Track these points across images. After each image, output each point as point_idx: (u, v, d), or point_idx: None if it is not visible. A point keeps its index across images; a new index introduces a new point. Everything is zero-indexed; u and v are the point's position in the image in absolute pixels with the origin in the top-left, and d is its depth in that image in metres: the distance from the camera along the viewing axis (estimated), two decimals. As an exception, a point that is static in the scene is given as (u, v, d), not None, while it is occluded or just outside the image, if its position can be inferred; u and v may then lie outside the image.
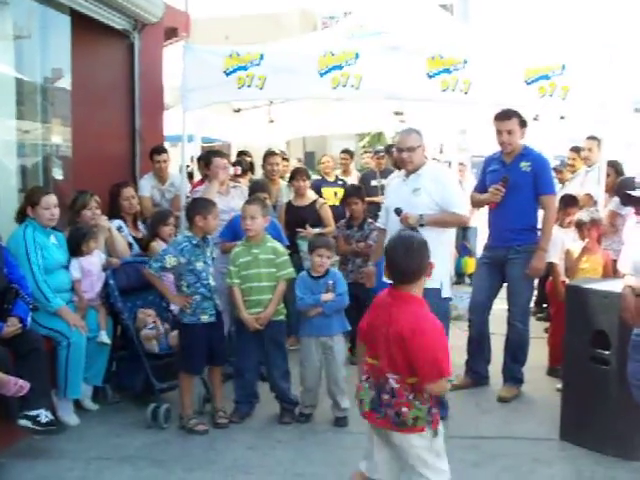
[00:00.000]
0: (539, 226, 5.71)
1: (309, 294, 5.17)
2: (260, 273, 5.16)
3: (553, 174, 6.60)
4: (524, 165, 5.62)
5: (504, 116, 5.64)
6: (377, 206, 8.78)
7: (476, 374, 6.01)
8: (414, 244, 3.25)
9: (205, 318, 5.09)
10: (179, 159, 8.27)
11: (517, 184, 5.59)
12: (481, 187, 5.93)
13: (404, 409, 3.13)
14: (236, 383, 5.35)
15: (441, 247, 5.15)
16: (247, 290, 5.17)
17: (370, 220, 6.77)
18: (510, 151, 5.67)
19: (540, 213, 5.74)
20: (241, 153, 8.88)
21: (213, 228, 5.20)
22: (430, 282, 5.08)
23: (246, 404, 5.32)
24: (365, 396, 3.27)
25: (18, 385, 4.36)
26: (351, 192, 7.00)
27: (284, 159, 9.00)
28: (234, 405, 5.29)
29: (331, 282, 5.17)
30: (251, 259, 5.17)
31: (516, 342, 5.78)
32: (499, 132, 5.66)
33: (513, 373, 5.83)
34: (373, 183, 9.33)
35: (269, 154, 7.84)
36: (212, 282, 5.16)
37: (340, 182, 9.03)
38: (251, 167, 8.62)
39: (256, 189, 6.26)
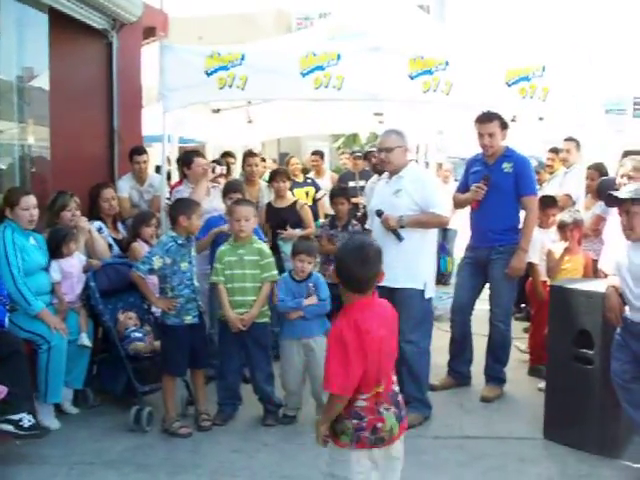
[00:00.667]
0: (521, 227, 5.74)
1: (291, 297, 5.15)
2: (245, 274, 5.14)
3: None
4: (506, 166, 5.65)
5: (485, 119, 5.67)
6: (355, 207, 8.83)
7: (458, 374, 6.03)
8: (370, 254, 3.03)
9: (189, 319, 5.06)
10: (155, 159, 8.23)
11: (499, 185, 5.63)
12: (463, 188, 5.96)
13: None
14: (219, 385, 5.32)
15: (425, 247, 5.23)
16: (230, 290, 5.14)
17: (354, 222, 6.78)
18: (492, 153, 5.71)
19: (522, 214, 5.77)
20: (226, 154, 8.83)
21: (197, 228, 5.17)
22: (414, 283, 5.16)
23: (229, 406, 5.29)
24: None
25: None
26: (337, 192, 7.01)
27: (262, 160, 8.97)
28: (217, 407, 5.26)
29: (312, 285, 5.17)
30: (236, 259, 5.15)
31: (498, 342, 5.81)
32: (480, 135, 5.69)
33: (495, 373, 5.85)
34: (351, 184, 9.35)
35: (248, 155, 7.82)
36: (196, 283, 5.14)
37: (309, 181, 9.08)
38: (228, 168, 8.59)
39: (230, 189, 6.17)
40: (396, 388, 3.11)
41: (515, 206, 5.74)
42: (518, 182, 5.63)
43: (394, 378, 3.13)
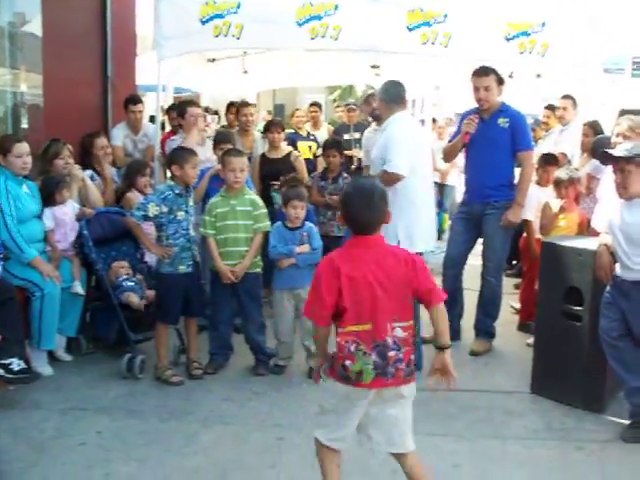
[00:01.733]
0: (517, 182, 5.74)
1: (283, 244, 5.18)
2: (237, 225, 5.14)
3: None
4: (502, 121, 5.62)
5: (481, 72, 5.63)
6: (350, 159, 8.81)
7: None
8: (374, 196, 3.06)
9: (183, 268, 5.07)
10: (149, 109, 8.15)
11: (494, 140, 5.61)
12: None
13: (412, 356, 3.07)
14: (210, 335, 5.37)
15: (396, 203, 4.72)
16: (222, 241, 5.15)
17: (345, 175, 6.77)
18: (487, 108, 5.66)
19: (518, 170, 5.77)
20: (231, 105, 8.75)
21: (191, 177, 5.10)
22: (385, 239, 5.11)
23: (221, 355, 5.34)
24: (364, 365, 2.98)
25: None
26: (330, 144, 6.99)
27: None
28: (209, 356, 5.31)
29: (305, 234, 5.20)
30: (229, 209, 5.14)
31: (489, 297, 5.86)
32: (476, 89, 5.65)
33: (485, 327, 5.91)
34: (346, 137, 9.30)
35: (243, 105, 7.74)
36: (192, 232, 5.13)
37: (312, 137, 9.06)
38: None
39: (220, 140, 6.13)
40: (390, 341, 2.99)
41: (510, 162, 5.72)
42: (514, 137, 5.61)
43: (395, 331, 3.01)
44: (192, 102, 6.76)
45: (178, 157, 5.08)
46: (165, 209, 4.97)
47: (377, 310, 2.99)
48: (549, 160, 6.49)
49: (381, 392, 3.05)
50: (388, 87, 5.43)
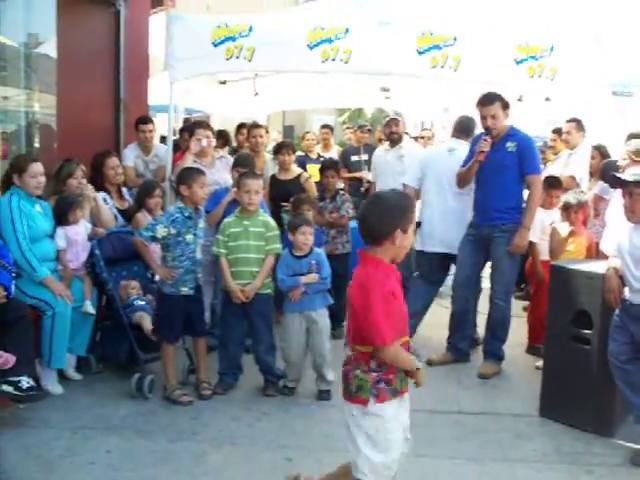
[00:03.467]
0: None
1: (291, 274, 5.17)
2: (249, 245, 5.17)
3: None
4: (510, 145, 5.68)
5: (487, 101, 5.71)
6: (359, 181, 8.85)
7: (457, 350, 6.09)
8: (384, 204, 3.03)
9: (185, 290, 5.11)
10: (160, 130, 8.21)
11: (503, 164, 5.66)
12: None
13: (350, 375, 3.08)
14: (220, 355, 5.37)
15: None
16: (234, 261, 5.18)
17: (342, 192, 6.87)
18: (495, 135, 5.71)
19: (526, 193, 5.79)
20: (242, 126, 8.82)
21: (200, 197, 5.10)
22: None
23: (230, 376, 5.34)
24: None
25: (3, 358, 4.36)
26: (328, 165, 7.13)
27: (266, 131, 8.95)
28: (218, 376, 5.32)
29: (314, 262, 5.19)
30: (241, 230, 5.18)
31: (498, 320, 5.86)
32: (483, 117, 5.73)
33: (494, 350, 5.90)
34: (354, 158, 9.35)
35: (253, 126, 7.80)
36: (198, 255, 5.16)
37: (322, 159, 9.07)
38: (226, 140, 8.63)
39: (240, 163, 6.19)
40: (348, 352, 3.15)
41: (519, 185, 5.76)
42: (522, 161, 5.66)
43: (351, 344, 3.12)
44: (202, 123, 6.81)
45: (186, 177, 5.11)
46: (173, 231, 5.00)
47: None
48: (553, 183, 6.52)
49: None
50: (462, 120, 6.28)
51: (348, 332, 3.17)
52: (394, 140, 7.00)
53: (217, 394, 5.18)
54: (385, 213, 3.00)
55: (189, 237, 5.06)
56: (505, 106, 5.71)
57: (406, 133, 7.46)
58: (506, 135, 5.73)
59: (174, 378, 5.15)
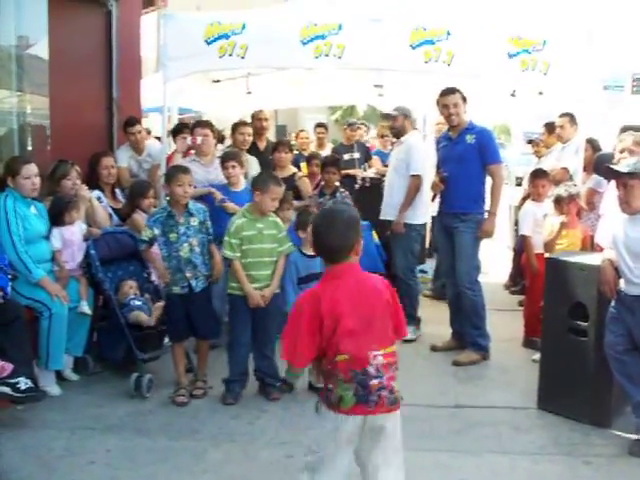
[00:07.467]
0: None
1: (304, 274, 5.23)
2: (263, 248, 5.03)
3: (530, 149, 6.70)
4: (469, 138, 5.98)
5: (449, 92, 6.03)
6: (353, 179, 8.84)
7: (459, 334, 6.22)
8: (341, 221, 2.96)
9: (177, 290, 5.09)
10: (153, 130, 8.17)
11: (464, 157, 5.97)
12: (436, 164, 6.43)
13: (393, 383, 2.95)
14: (230, 360, 5.17)
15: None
16: (247, 265, 5.03)
17: (342, 189, 6.90)
18: (457, 124, 6.01)
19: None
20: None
21: (179, 195, 4.99)
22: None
23: (238, 384, 5.15)
24: (345, 391, 2.91)
25: (0, 366, 4.35)
26: (329, 162, 7.13)
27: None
28: (226, 385, 5.14)
29: None
30: (255, 233, 5.03)
31: (470, 308, 6.00)
32: (445, 106, 6.02)
33: (472, 339, 6.02)
34: (346, 157, 9.33)
35: (240, 124, 7.74)
36: (184, 254, 5.03)
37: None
38: (220, 138, 8.56)
39: (227, 158, 6.09)
40: (382, 362, 2.92)
41: (479, 177, 6.03)
42: (482, 152, 5.94)
43: (381, 352, 2.93)
44: (201, 122, 6.79)
45: (167, 175, 5.18)
46: (157, 232, 5.01)
47: (359, 341, 2.92)
48: (537, 174, 6.62)
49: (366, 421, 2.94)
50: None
51: (374, 340, 2.94)
52: (394, 135, 7.12)
53: (228, 404, 5.01)
54: (346, 229, 2.96)
55: (172, 236, 5.02)
56: (464, 99, 5.99)
57: (415, 129, 7.42)
58: (465, 129, 6.02)
59: (183, 376, 5.15)
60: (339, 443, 2.96)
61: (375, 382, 2.91)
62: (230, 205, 5.83)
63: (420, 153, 6.64)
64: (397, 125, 6.83)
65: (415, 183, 6.47)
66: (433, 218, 7.46)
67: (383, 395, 2.92)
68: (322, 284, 3.02)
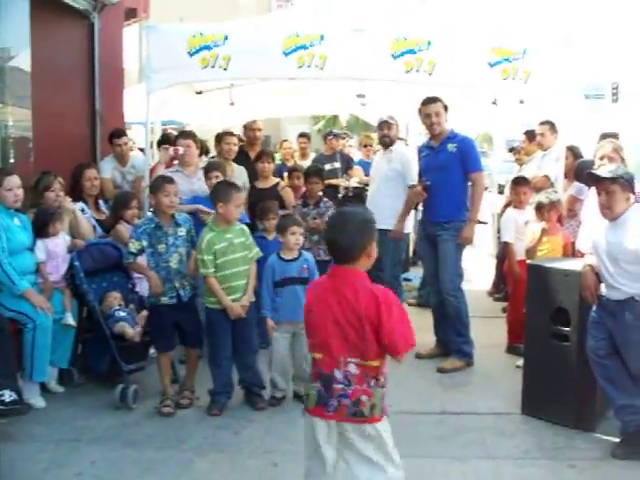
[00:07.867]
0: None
1: (280, 278, 5.16)
2: (236, 258, 4.99)
3: (511, 156, 6.79)
4: (451, 146, 6.02)
5: (431, 100, 6.07)
6: (335, 189, 8.87)
7: (443, 342, 6.25)
8: (353, 222, 3.02)
9: (165, 300, 5.08)
10: (136, 142, 8.17)
11: (445, 165, 6.01)
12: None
13: (364, 398, 2.97)
14: (214, 374, 5.14)
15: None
16: (223, 278, 4.97)
17: (326, 199, 6.91)
18: (439, 132, 6.04)
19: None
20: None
21: (164, 205, 5.01)
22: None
23: (223, 395, 5.14)
24: (311, 390, 3.05)
25: None
26: (312, 172, 7.10)
27: (240, 140, 8.93)
28: (212, 397, 5.12)
29: (306, 266, 5.18)
30: (227, 245, 4.97)
31: (454, 315, 6.04)
32: (427, 115, 6.05)
33: (456, 346, 6.06)
34: (327, 167, 9.32)
35: (226, 134, 7.76)
36: (173, 265, 5.05)
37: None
38: (203, 149, 8.57)
39: (210, 168, 6.10)
40: (338, 375, 2.99)
41: (461, 185, 6.07)
42: (464, 160, 5.99)
43: (348, 367, 2.99)
44: (184, 133, 6.80)
45: (152, 186, 5.19)
46: (145, 243, 5.00)
47: (329, 342, 3.00)
48: (519, 181, 6.71)
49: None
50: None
51: (346, 350, 2.98)
52: (385, 144, 7.05)
53: (214, 415, 5.00)
54: (357, 231, 3.01)
55: (161, 247, 5.02)
56: (445, 108, 6.04)
57: (400, 139, 7.47)
58: (447, 137, 6.06)
59: (169, 387, 5.14)
60: (310, 442, 3.11)
61: (338, 387, 2.99)
62: None
63: (415, 163, 6.66)
64: (391, 134, 6.89)
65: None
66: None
67: (344, 403, 2.97)
68: (320, 278, 3.17)
